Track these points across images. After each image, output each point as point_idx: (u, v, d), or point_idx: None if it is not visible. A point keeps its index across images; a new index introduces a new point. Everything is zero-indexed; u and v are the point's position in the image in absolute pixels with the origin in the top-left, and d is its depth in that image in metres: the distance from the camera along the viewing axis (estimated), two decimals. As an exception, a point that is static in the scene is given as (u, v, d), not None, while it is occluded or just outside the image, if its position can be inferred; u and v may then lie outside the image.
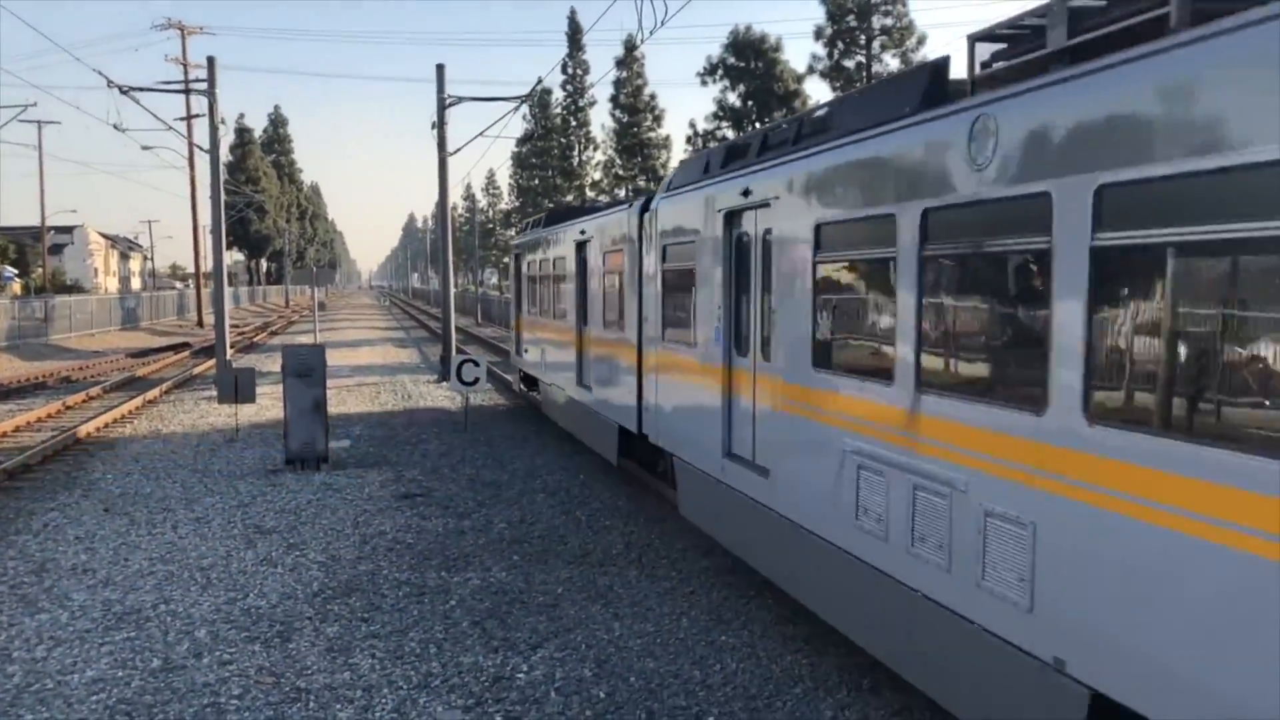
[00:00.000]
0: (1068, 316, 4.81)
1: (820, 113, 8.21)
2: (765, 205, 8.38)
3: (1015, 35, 5.77)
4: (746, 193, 8.69)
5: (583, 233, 15.34)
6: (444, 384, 24.99)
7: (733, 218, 9.17)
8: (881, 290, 6.68)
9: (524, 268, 20.89)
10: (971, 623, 5.49)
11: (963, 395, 5.70)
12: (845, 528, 6.87)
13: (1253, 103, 3.84)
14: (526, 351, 20.47)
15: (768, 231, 8.37)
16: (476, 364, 18.90)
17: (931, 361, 6.04)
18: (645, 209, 12.00)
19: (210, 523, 11.89)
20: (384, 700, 6.97)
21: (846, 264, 7.26)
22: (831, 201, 7.33)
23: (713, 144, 59.64)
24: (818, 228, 7.40)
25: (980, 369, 5.80)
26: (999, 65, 5.81)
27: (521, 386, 21.72)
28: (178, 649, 7.90)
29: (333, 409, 18.13)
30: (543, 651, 7.83)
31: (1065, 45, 5.14)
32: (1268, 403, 3.91)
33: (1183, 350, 4.32)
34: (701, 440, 9.83)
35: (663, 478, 11.98)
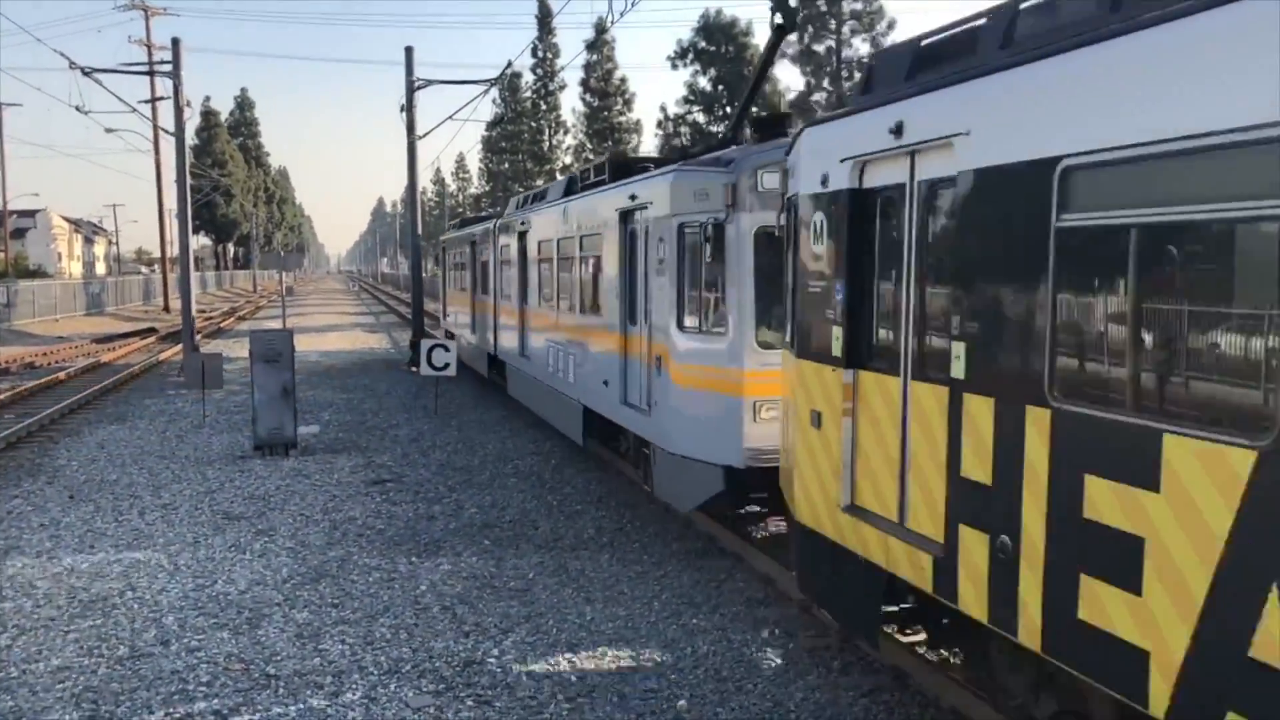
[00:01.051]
0: (580, 278, 13.18)
1: (548, 188, 16.84)
2: (528, 230, 16.55)
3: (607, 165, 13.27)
4: (524, 223, 16.90)
5: (472, 234, 23.00)
6: (414, 369, 24.87)
7: (521, 235, 17.01)
8: (558, 271, 14.57)
9: (446, 258, 28.96)
10: (566, 395, 13.83)
11: (566, 312, 13.82)
12: (546, 374, 15.03)
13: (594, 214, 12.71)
14: (448, 316, 28.40)
15: (532, 242, 16.32)
16: (447, 349, 18.80)
17: (560, 298, 14.27)
18: (495, 225, 19.79)
19: (178, 509, 11.79)
20: (354, 686, 6.94)
21: (552, 260, 14.92)
22: (546, 230, 15.28)
23: (684, 127, 59.55)
24: (539, 243, 15.73)
25: (571, 299, 13.61)
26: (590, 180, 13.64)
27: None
28: (145, 636, 7.83)
29: (301, 394, 17.99)
30: (514, 636, 7.82)
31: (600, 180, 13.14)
32: (600, 301, 12.22)
33: (605, 287, 11.88)
34: (515, 350, 17.59)
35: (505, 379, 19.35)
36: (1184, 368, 4.14)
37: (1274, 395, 3.55)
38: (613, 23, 18.31)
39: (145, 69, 34.18)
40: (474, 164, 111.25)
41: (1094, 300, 4.56)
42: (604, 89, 67.80)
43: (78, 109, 28.73)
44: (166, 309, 59.68)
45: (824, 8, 46.89)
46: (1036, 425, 4.63)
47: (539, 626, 8.02)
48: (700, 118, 58.93)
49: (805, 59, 47.89)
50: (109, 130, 37.26)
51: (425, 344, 19.21)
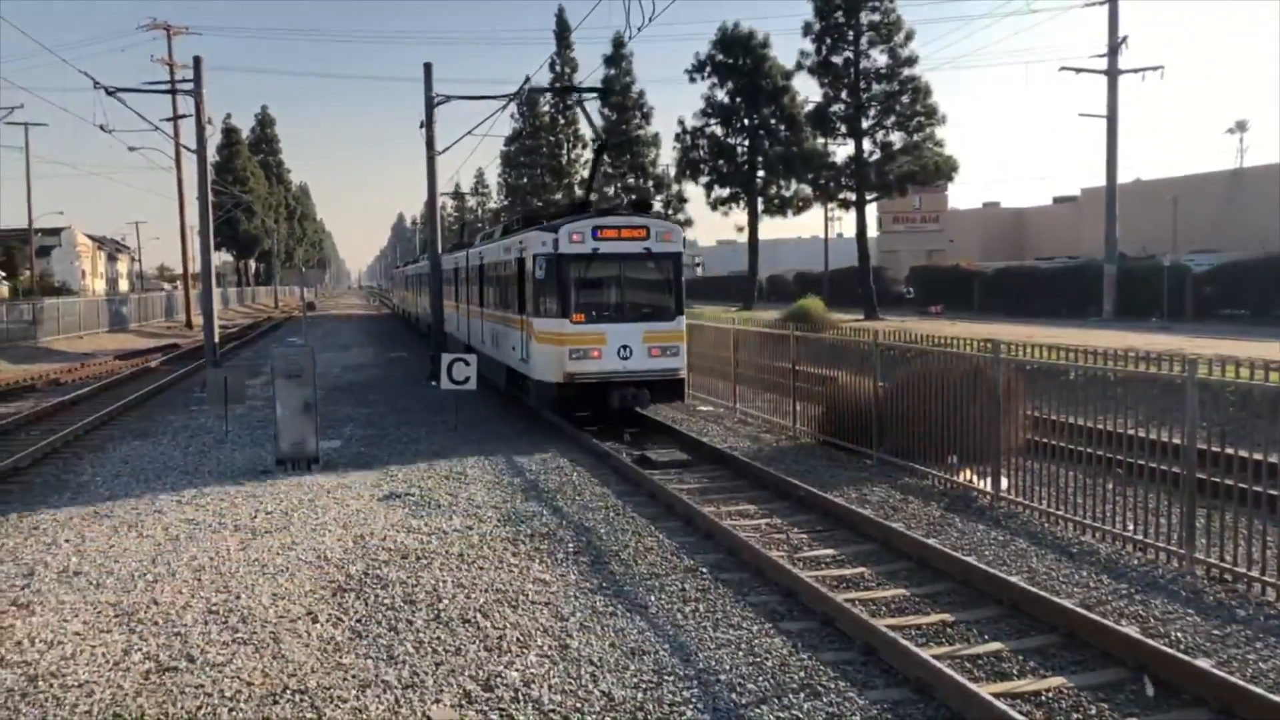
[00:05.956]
0: (479, 288, 25.65)
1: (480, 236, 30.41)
2: (469, 259, 28.73)
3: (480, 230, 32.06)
4: (465, 256, 29.16)
5: (417, 264, 45.81)
6: (434, 383, 24.93)
7: (470, 261, 28.14)
8: (477, 284, 25.64)
9: (404, 277, 47.91)
10: (495, 359, 23.15)
11: (485, 308, 24.67)
12: (476, 340, 25.97)
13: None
14: (402, 306, 51.20)
15: (464, 268, 28.96)
16: (467, 363, 18.84)
17: (483, 302, 24.81)
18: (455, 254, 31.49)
19: (201, 524, 11.84)
20: (378, 700, 6.94)
21: (488, 278, 23.90)
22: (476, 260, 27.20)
23: (702, 140, 59.54)
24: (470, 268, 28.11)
25: (493, 301, 23.41)
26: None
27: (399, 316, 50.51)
28: (168, 651, 7.86)
29: (322, 409, 18.07)
30: (535, 651, 7.81)
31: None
32: (512, 307, 21.24)
33: (494, 295, 23.60)
34: (457, 327, 29.35)
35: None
36: (493, 303, 23.20)
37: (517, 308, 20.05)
38: (630, 37, 18.33)
39: (167, 88, 34.51)
40: (493, 179, 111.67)
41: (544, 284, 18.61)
42: (622, 103, 67.84)
43: (101, 128, 29.06)
44: (189, 325, 60.08)
45: (842, 20, 46.86)
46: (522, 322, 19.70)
47: (564, 643, 8.00)
48: (718, 130, 58.96)
49: (823, 71, 47.81)
50: (132, 148, 37.75)
51: (445, 358, 19.24)
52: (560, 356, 17.77)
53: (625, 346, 17.85)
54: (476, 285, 25.86)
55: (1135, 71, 41.52)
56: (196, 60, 27.18)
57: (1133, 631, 7.74)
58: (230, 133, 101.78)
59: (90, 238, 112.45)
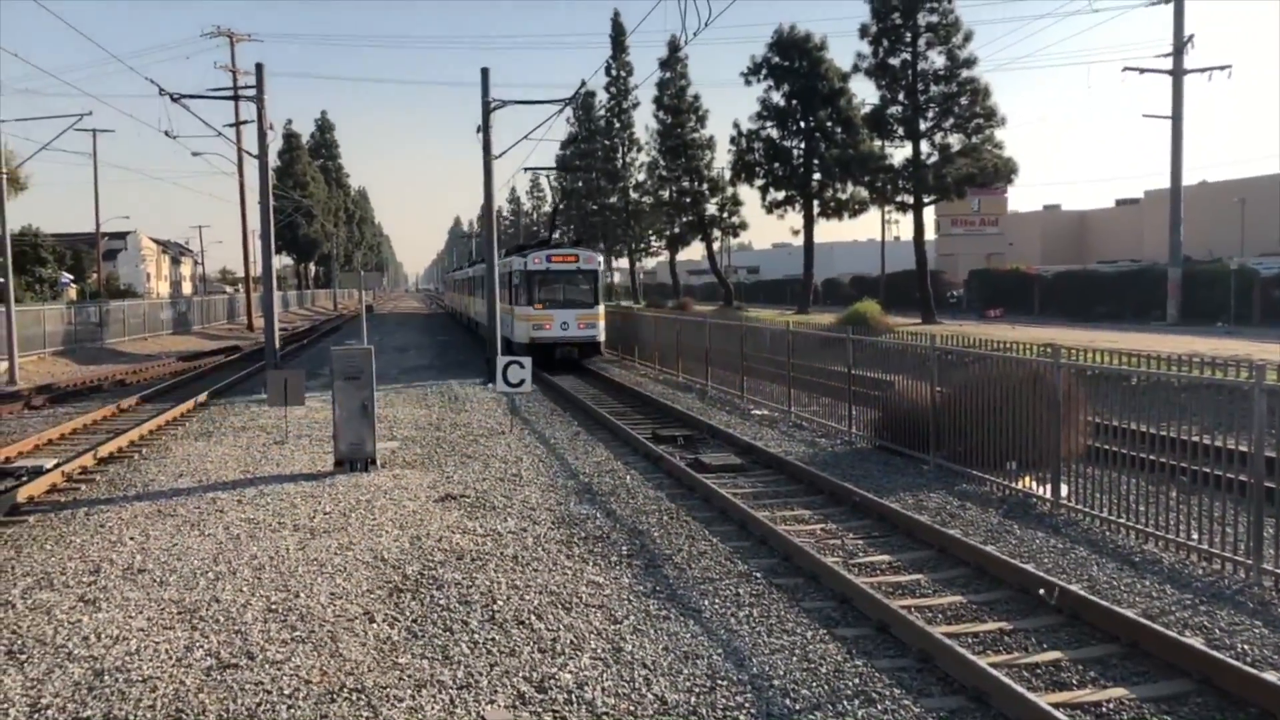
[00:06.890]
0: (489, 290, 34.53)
1: (510, 249, 43.36)
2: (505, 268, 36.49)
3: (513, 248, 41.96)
4: (501, 266, 36.02)
5: (461, 270, 63.82)
6: (489, 386, 25.10)
7: (500, 270, 35.47)
8: (480, 288, 39.61)
9: (452, 281, 70.10)
10: (505, 335, 33.11)
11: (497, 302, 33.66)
12: (500, 324, 32.38)
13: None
14: (450, 305, 71.27)
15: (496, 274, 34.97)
16: (522, 365, 18.94)
17: (497, 301, 32.87)
18: (477, 266, 42.75)
19: (261, 523, 12.03)
20: (433, 700, 7.00)
21: (503, 283, 33.91)
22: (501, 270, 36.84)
23: (757, 143, 59.28)
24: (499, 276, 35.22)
25: (501, 298, 32.33)
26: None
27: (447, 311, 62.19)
28: (229, 648, 7.99)
29: (381, 411, 18.26)
30: (587, 654, 7.83)
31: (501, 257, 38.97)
32: (506, 301, 34.11)
33: (500, 294, 32.84)
34: (492, 324, 32.44)
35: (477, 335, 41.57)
36: (500, 299, 32.82)
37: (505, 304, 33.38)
38: (686, 40, 18.31)
39: (230, 94, 35.10)
40: (547, 182, 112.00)
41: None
42: (677, 106, 67.92)
43: (166, 134, 29.70)
44: (250, 327, 61.10)
45: (899, 21, 46.46)
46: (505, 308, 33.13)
47: (617, 646, 8.01)
48: (774, 132, 58.73)
49: (880, 73, 47.43)
50: (195, 154, 39.07)
51: (500, 361, 19.36)
52: (528, 328, 30.55)
53: (565, 323, 30.51)
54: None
55: (1201, 71, 40.74)
56: (258, 67, 27.63)
57: (1197, 643, 7.58)
58: (291, 138, 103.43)
59: (155, 241, 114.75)
